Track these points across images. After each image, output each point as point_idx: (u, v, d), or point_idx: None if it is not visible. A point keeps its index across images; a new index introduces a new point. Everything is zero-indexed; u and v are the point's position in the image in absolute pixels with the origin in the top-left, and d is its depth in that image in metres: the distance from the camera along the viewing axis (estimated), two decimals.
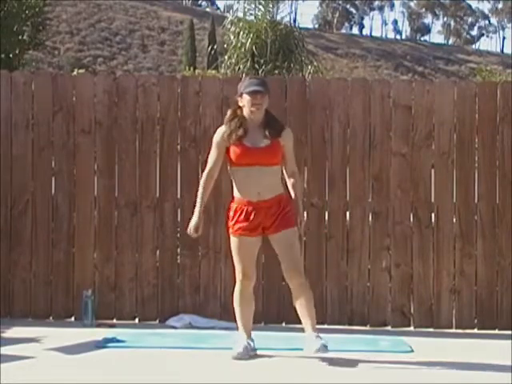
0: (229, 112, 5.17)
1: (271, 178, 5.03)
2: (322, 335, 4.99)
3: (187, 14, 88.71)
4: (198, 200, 5.18)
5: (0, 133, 6.33)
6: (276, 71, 13.24)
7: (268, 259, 6.12)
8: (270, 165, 5.02)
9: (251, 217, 5.02)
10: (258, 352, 5.14)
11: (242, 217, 5.04)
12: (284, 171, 5.20)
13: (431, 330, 6.21)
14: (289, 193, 5.16)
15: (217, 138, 5.13)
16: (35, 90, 6.41)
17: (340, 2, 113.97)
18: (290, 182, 5.19)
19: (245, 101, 5.06)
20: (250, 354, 5.07)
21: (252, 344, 5.13)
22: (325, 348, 4.89)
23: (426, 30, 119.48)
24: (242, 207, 5.04)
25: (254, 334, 5.23)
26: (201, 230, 5.22)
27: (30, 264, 6.33)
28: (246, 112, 5.08)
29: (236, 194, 5.09)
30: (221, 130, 5.14)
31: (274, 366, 4.95)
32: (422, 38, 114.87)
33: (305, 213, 5.34)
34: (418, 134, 6.31)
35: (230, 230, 5.12)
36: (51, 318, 6.34)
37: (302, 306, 5.07)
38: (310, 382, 4.64)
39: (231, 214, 5.10)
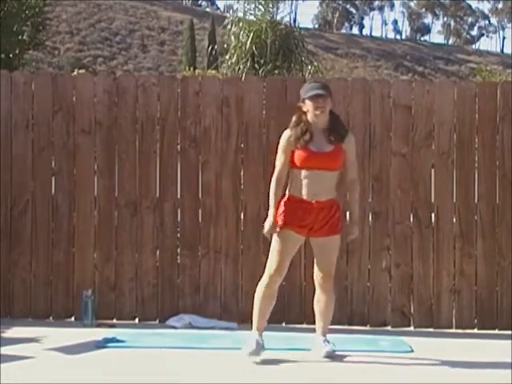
0: (294, 117, 5.21)
1: (329, 182, 5.10)
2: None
3: (187, 13, 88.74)
4: (271, 204, 5.18)
5: (0, 133, 6.33)
6: (276, 71, 13.24)
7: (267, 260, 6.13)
8: (331, 169, 5.08)
9: (303, 215, 5.07)
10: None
11: (294, 213, 5.08)
12: (345, 177, 5.27)
13: (431, 330, 6.21)
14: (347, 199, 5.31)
15: (283, 142, 5.18)
16: (35, 90, 6.41)
17: (340, 2, 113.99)
18: (349, 190, 5.35)
19: (308, 106, 5.13)
20: (262, 350, 5.10)
21: (262, 341, 5.15)
22: (333, 353, 5.03)
23: (426, 29, 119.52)
24: (294, 204, 5.10)
25: (251, 334, 5.24)
26: (275, 231, 5.18)
27: (29, 264, 6.33)
28: (310, 117, 5.12)
29: (292, 192, 5.14)
30: (286, 135, 5.18)
31: (273, 366, 4.95)
32: (422, 38, 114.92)
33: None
34: (418, 134, 6.31)
35: (279, 222, 5.10)
36: (51, 318, 6.34)
37: (320, 310, 5.20)
38: (310, 382, 4.64)
39: (282, 209, 5.11)
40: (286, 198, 5.15)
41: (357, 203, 5.31)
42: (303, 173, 5.08)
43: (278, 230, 5.11)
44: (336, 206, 5.12)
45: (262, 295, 5.17)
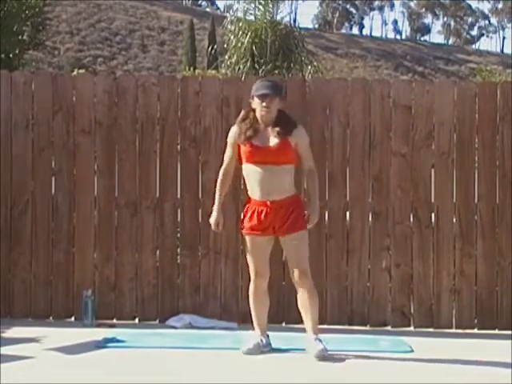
0: (242, 113, 5.33)
1: (282, 178, 5.11)
2: (321, 336, 5.06)
3: (187, 13, 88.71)
4: (216, 196, 5.36)
5: (0, 133, 6.33)
6: (276, 71, 13.23)
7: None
8: (279, 164, 5.09)
9: (262, 217, 5.13)
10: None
11: (254, 217, 5.16)
12: (302, 169, 5.31)
13: (431, 330, 6.21)
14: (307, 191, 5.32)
15: (229, 137, 5.32)
16: (35, 90, 6.41)
17: (340, 2, 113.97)
18: (306, 179, 5.35)
19: (255, 103, 5.20)
20: (262, 350, 5.19)
21: (264, 341, 5.23)
22: (324, 352, 5.00)
23: (426, 30, 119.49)
24: (253, 207, 5.17)
25: (252, 334, 5.24)
26: (221, 225, 5.37)
27: (30, 264, 6.33)
28: (257, 114, 5.20)
29: (249, 193, 5.23)
30: (232, 130, 5.30)
31: (273, 366, 4.95)
32: (422, 38, 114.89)
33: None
34: (418, 134, 6.31)
35: (244, 230, 5.24)
36: (51, 318, 6.34)
37: (304, 308, 5.19)
38: (310, 382, 4.64)
39: (244, 213, 5.24)
40: (247, 201, 5.25)
41: (315, 192, 5.29)
42: (251, 168, 5.15)
43: (244, 234, 5.26)
44: (295, 203, 5.15)
45: (254, 299, 5.31)
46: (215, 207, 5.36)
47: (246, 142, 5.16)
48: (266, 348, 5.24)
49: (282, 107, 5.23)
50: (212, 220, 5.35)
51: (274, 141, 5.13)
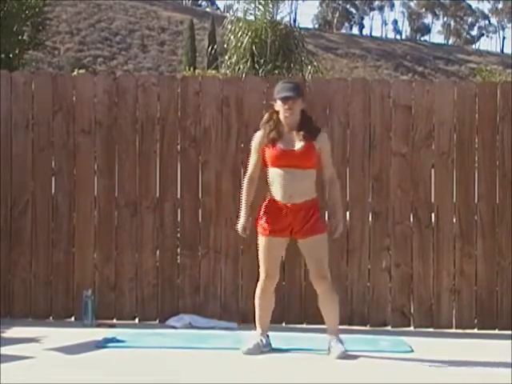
0: (265, 115, 5.30)
1: (304, 182, 5.11)
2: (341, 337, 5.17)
3: (187, 13, 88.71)
4: (243, 203, 5.32)
5: (0, 133, 6.33)
6: (276, 71, 13.23)
7: None
8: (303, 168, 5.10)
9: (280, 218, 5.11)
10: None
11: (272, 217, 5.13)
12: (323, 176, 5.31)
13: (431, 330, 6.21)
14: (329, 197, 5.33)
15: (254, 141, 5.29)
16: (35, 90, 6.41)
17: (340, 2, 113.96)
18: (328, 187, 5.33)
19: (278, 106, 5.19)
20: (262, 350, 5.20)
21: (265, 341, 5.24)
22: (344, 353, 5.08)
23: (426, 30, 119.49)
24: (272, 208, 5.14)
25: (253, 334, 5.24)
26: (248, 230, 5.32)
27: (30, 264, 6.33)
28: (281, 116, 5.19)
29: (270, 194, 5.19)
30: (257, 134, 5.28)
31: (273, 366, 4.95)
32: (422, 38, 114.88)
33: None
34: (418, 134, 6.31)
35: (259, 230, 5.21)
36: (51, 318, 6.34)
37: (324, 311, 5.25)
38: (310, 382, 4.64)
39: (261, 213, 5.20)
40: (265, 201, 5.20)
41: (339, 200, 5.32)
42: (275, 172, 5.14)
43: (259, 234, 5.21)
44: (314, 207, 5.15)
45: (259, 298, 5.29)
46: (242, 213, 5.30)
47: (270, 145, 5.14)
48: (265, 348, 5.24)
49: (304, 108, 5.24)
50: (239, 226, 5.31)
51: (299, 144, 5.12)
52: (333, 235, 5.29)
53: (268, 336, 5.31)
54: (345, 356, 5.07)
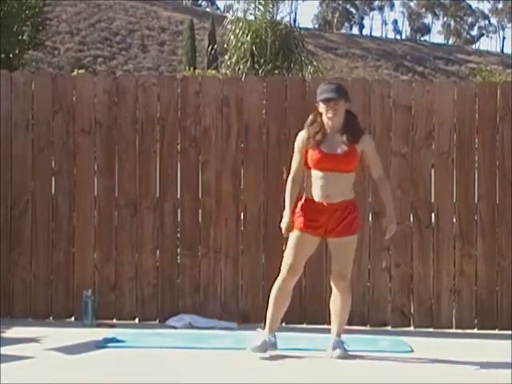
0: (310, 117, 5.24)
1: (343, 184, 5.11)
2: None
3: (187, 13, 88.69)
4: (286, 204, 5.25)
5: (0, 133, 6.33)
6: (276, 71, 13.24)
7: (267, 260, 6.14)
8: (344, 171, 5.09)
9: (316, 216, 5.10)
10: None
11: (308, 214, 5.12)
12: (372, 176, 5.33)
13: (431, 330, 6.21)
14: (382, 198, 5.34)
15: (298, 142, 5.24)
16: (35, 90, 6.41)
17: (340, 2, 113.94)
18: (379, 188, 5.33)
19: (321, 108, 5.15)
20: (268, 349, 5.16)
21: (272, 339, 5.20)
22: (344, 354, 5.08)
23: (426, 30, 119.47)
24: (309, 206, 5.13)
25: (252, 334, 5.24)
26: (291, 230, 5.26)
27: (30, 264, 6.33)
28: (324, 119, 5.15)
29: (307, 193, 5.17)
30: (301, 135, 5.24)
31: (273, 366, 4.95)
32: (422, 38, 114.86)
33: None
34: (418, 134, 6.31)
35: (295, 224, 5.17)
36: (51, 318, 6.34)
37: (334, 309, 5.24)
38: (310, 382, 4.64)
39: (298, 210, 5.17)
40: (302, 199, 5.19)
41: (390, 199, 5.29)
42: (315, 174, 5.12)
43: (293, 231, 5.17)
44: (351, 207, 5.14)
45: (276, 295, 5.23)
46: (286, 214, 5.23)
47: (315, 147, 5.11)
48: (272, 348, 5.20)
49: (348, 108, 5.18)
50: (283, 225, 5.23)
51: (342, 148, 5.09)
52: (385, 235, 5.32)
53: (275, 336, 5.27)
54: (345, 356, 5.07)
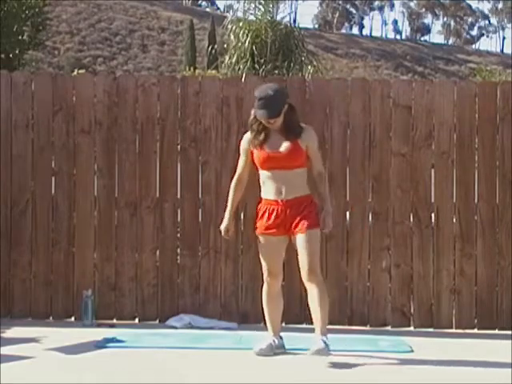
0: (251, 116, 5.21)
1: (294, 180, 5.08)
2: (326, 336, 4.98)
3: (187, 13, 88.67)
4: (228, 204, 5.30)
5: (0, 133, 6.33)
6: (276, 71, 13.22)
7: None
8: (291, 168, 5.06)
9: (273, 216, 5.10)
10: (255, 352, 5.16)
11: (265, 216, 5.13)
12: (311, 172, 5.22)
13: (431, 330, 6.21)
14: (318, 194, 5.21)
15: (243, 143, 5.25)
16: (35, 90, 6.41)
17: (340, 2, 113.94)
18: (316, 184, 5.23)
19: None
20: (274, 351, 5.16)
21: (277, 341, 5.20)
22: (323, 351, 4.86)
23: (426, 30, 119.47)
24: (265, 207, 5.14)
25: (252, 333, 5.24)
26: (231, 232, 5.31)
27: (29, 264, 6.33)
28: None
29: (262, 194, 5.17)
30: (246, 136, 5.24)
31: (273, 366, 4.95)
32: (422, 38, 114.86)
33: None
34: (418, 134, 6.31)
35: (257, 229, 5.20)
36: (51, 318, 6.34)
37: (313, 308, 5.07)
38: (309, 382, 4.64)
39: (257, 213, 5.19)
40: (260, 201, 5.19)
41: (327, 196, 5.20)
42: (264, 174, 5.14)
43: (256, 233, 5.20)
44: (306, 202, 5.09)
45: (266, 300, 5.26)
46: (226, 214, 5.29)
47: (259, 147, 5.11)
48: (279, 349, 5.20)
49: (285, 109, 5.09)
50: (222, 227, 5.30)
51: (284, 145, 5.08)
52: (322, 229, 5.17)
53: (281, 337, 5.27)
54: (321, 353, 4.84)
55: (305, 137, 5.13)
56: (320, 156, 5.27)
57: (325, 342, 4.89)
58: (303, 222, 5.04)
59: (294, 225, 5.06)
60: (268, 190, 5.12)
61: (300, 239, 5.06)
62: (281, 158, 5.06)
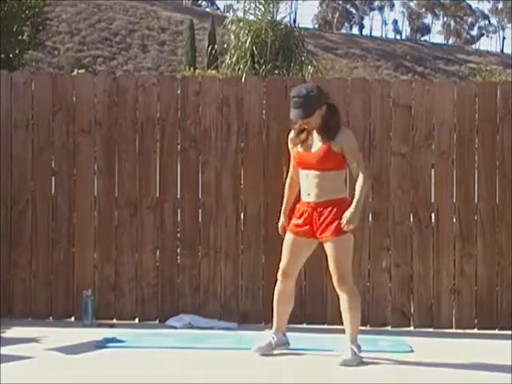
0: None
1: (325, 183, 4.99)
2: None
3: (187, 13, 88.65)
4: (284, 202, 5.31)
5: (0, 133, 6.33)
6: (276, 71, 13.23)
7: (267, 260, 6.13)
8: (321, 170, 4.99)
9: (302, 217, 5.07)
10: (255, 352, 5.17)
11: (297, 215, 5.11)
12: (353, 174, 5.13)
13: (431, 330, 6.21)
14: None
15: (289, 142, 5.23)
16: (35, 90, 6.41)
17: (340, 2, 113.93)
18: (356, 183, 5.08)
19: None
20: (274, 348, 5.16)
21: (277, 339, 5.19)
22: (349, 361, 4.88)
23: (426, 30, 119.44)
24: (299, 206, 5.12)
25: (254, 333, 5.24)
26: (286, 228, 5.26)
27: (29, 264, 6.33)
28: None
29: (300, 194, 5.16)
30: (290, 135, 5.22)
31: (273, 366, 4.95)
32: (422, 38, 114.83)
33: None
34: (418, 134, 6.31)
35: (287, 227, 5.20)
36: (51, 318, 6.34)
37: (343, 316, 5.04)
38: (309, 382, 4.64)
39: (292, 211, 5.19)
40: (299, 201, 5.18)
41: (356, 195, 4.96)
42: (300, 173, 5.13)
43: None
44: (338, 206, 4.96)
45: (276, 298, 5.24)
46: (282, 213, 5.31)
47: (297, 146, 5.10)
48: (281, 347, 5.19)
49: (324, 110, 5.00)
50: (279, 225, 5.31)
51: (316, 147, 5.03)
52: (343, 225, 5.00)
53: (285, 334, 5.26)
54: (347, 364, 4.87)
55: (339, 139, 4.99)
56: (359, 156, 5.09)
57: (353, 351, 4.92)
58: (330, 227, 4.96)
59: (321, 229, 5.00)
60: (302, 191, 5.11)
61: (327, 246, 5.02)
62: (312, 159, 5.02)
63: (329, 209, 4.98)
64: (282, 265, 5.17)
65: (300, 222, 5.07)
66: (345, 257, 5.01)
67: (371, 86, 6.39)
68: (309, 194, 5.03)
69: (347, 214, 4.93)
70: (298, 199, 5.21)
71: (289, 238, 5.14)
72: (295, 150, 5.13)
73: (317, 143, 5.04)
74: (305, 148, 5.07)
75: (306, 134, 5.08)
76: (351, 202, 4.97)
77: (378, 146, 6.31)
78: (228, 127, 6.34)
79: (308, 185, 5.05)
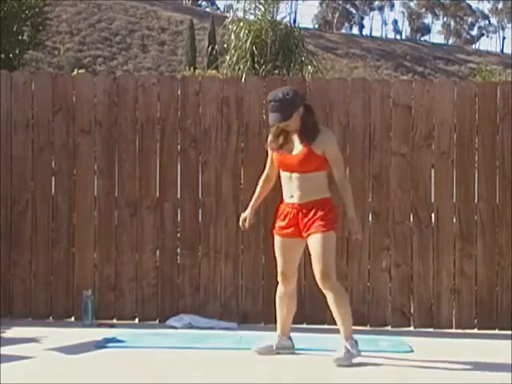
0: None
1: (307, 184, 5.00)
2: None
3: (187, 13, 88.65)
4: (254, 196, 5.36)
5: (0, 133, 6.33)
6: (276, 71, 13.22)
7: (267, 260, 6.13)
8: (303, 172, 5.00)
9: (287, 218, 5.09)
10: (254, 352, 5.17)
11: (281, 217, 5.13)
12: (334, 178, 5.11)
13: (431, 330, 6.21)
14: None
15: (267, 145, 5.24)
16: (35, 90, 6.41)
17: (340, 2, 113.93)
18: (340, 191, 5.12)
19: None
20: (275, 351, 5.17)
21: (278, 341, 5.20)
22: (341, 360, 4.89)
23: (426, 30, 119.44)
24: (283, 208, 5.14)
25: (252, 333, 5.24)
26: (248, 223, 5.35)
27: (29, 264, 6.33)
28: None
29: (283, 195, 5.17)
30: (268, 137, 5.23)
31: (273, 366, 4.95)
32: (422, 38, 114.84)
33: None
34: (418, 134, 6.31)
35: (274, 230, 5.23)
36: (51, 318, 6.34)
37: (333, 313, 5.07)
38: (309, 381, 4.64)
39: (276, 213, 5.22)
40: (282, 202, 5.20)
41: (350, 202, 5.09)
42: (282, 175, 5.13)
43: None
44: (320, 206, 4.98)
45: (278, 302, 5.27)
46: (249, 206, 5.37)
47: (277, 149, 5.10)
48: (285, 350, 5.20)
49: (302, 113, 5.01)
50: (241, 216, 5.37)
51: (297, 149, 5.03)
52: (351, 239, 5.33)
53: (290, 337, 5.26)
54: (339, 362, 4.88)
55: (320, 141, 5.00)
56: (340, 161, 5.12)
57: (346, 348, 4.93)
58: (315, 225, 4.97)
59: (306, 228, 5.01)
60: (284, 193, 5.12)
61: (311, 242, 5.00)
62: (293, 161, 5.02)
63: (313, 210, 5.00)
64: (279, 267, 5.20)
65: (284, 224, 5.10)
66: (329, 254, 5.00)
67: (371, 86, 6.39)
68: (292, 196, 5.05)
69: (352, 229, 5.14)
70: (281, 199, 5.20)
71: (277, 240, 5.18)
72: (275, 154, 5.13)
73: (297, 146, 5.04)
74: (286, 151, 5.06)
75: (283, 137, 5.07)
76: (332, 202, 5.09)
77: (378, 146, 6.31)
78: (228, 127, 6.35)
79: (290, 187, 5.05)
